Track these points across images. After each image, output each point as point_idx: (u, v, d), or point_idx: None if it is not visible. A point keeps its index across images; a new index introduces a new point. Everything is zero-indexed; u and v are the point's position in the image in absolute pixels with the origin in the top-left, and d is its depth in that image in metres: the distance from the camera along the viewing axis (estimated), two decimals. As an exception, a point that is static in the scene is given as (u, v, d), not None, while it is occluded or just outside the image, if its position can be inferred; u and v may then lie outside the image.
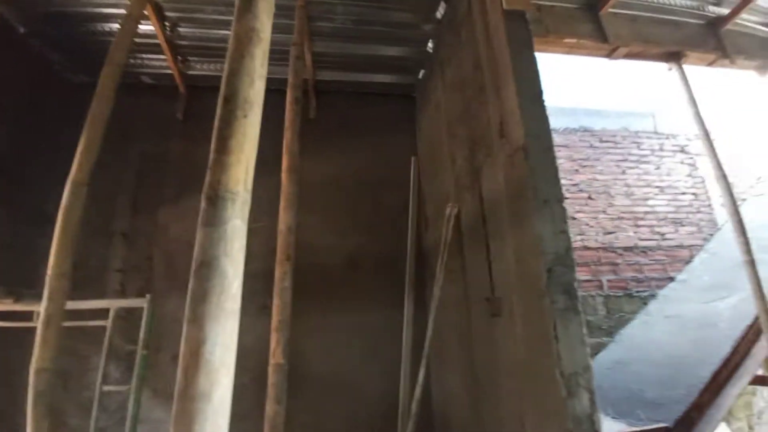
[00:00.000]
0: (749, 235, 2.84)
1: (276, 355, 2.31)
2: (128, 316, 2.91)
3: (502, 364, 2.20)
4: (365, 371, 3.72)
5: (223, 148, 1.25)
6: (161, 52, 3.33)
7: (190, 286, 1.07)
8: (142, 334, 2.52)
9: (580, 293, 1.77)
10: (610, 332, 4.01)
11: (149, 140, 3.70)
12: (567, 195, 4.36)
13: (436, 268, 2.78)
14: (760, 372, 3.70)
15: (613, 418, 2.76)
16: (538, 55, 2.27)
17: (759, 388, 4.12)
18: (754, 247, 2.83)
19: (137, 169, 3.62)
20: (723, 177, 2.97)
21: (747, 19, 3.31)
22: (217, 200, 1.19)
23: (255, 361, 3.11)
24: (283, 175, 2.31)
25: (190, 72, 3.70)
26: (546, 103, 2.06)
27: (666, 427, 2.56)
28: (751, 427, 4.08)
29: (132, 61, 3.52)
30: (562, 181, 4.49)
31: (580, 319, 1.73)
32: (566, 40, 2.90)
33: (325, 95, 3.99)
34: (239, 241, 1.14)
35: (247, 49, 1.32)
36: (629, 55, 3.20)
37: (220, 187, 1.21)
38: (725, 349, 2.91)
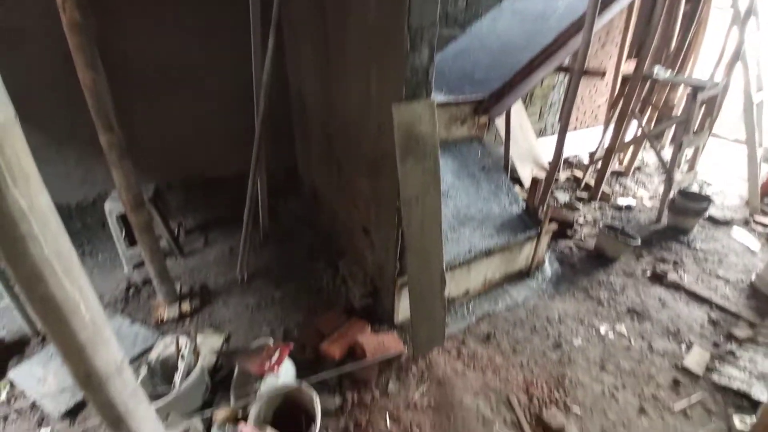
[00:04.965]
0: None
1: (68, 9, 1.75)
2: None
3: (352, 27, 2.11)
4: (215, 59, 3.35)
5: None
6: None
7: None
8: None
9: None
10: (464, 26, 4.16)
11: None
12: None
13: None
14: (567, 63, 4.55)
15: (445, 94, 3.21)
16: None
17: (558, 86, 5.27)
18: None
19: None
20: None
21: None
22: None
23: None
24: None
25: None
26: None
27: (481, 99, 3.12)
28: (541, 114, 5.45)
29: None
30: None
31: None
32: None
33: None
34: None
35: None
36: None
37: None
38: (548, 40, 3.30)
